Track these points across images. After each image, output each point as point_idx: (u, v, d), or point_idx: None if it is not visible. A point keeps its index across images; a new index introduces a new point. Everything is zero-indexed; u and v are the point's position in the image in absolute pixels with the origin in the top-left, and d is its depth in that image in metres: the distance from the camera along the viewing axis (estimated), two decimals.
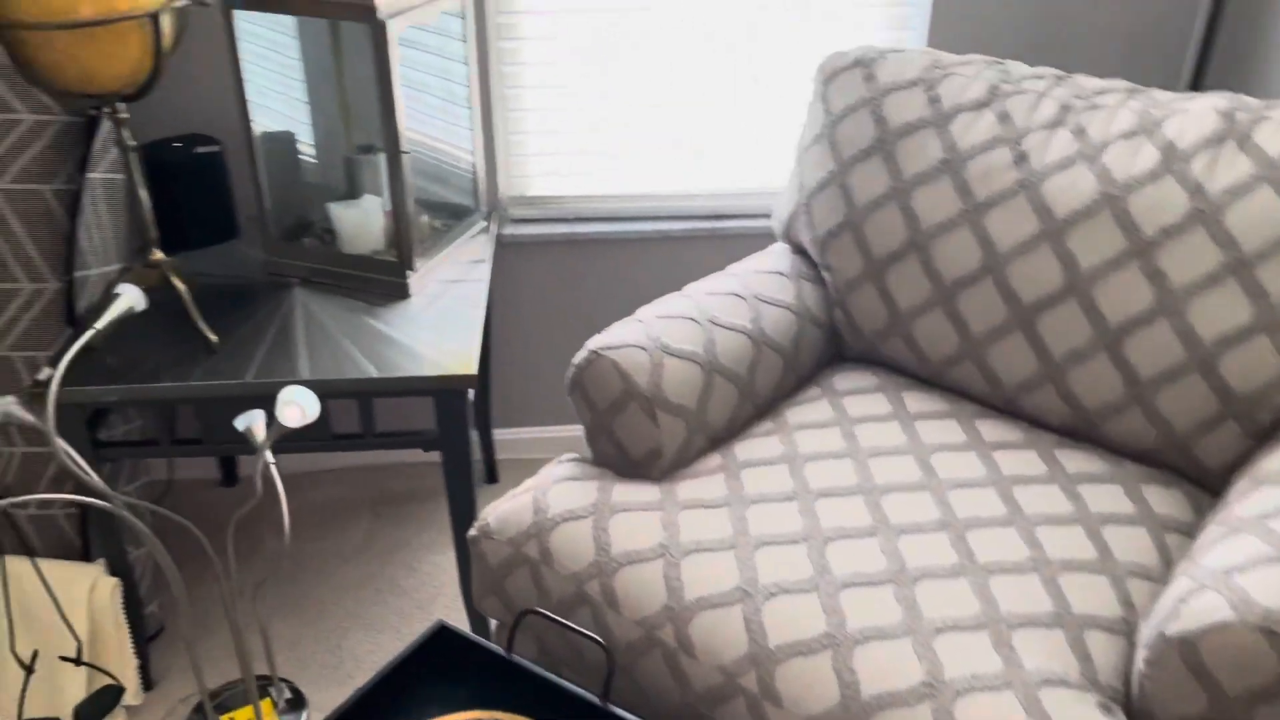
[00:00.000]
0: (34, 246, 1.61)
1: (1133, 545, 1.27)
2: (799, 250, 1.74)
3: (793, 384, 1.63)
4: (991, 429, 1.48)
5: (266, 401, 1.53)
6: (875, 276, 1.58)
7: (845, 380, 1.61)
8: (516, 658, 1.17)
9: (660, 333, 1.46)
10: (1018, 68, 1.59)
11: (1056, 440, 1.46)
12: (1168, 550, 1.28)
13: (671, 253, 2.12)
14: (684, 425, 1.43)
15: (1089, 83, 1.53)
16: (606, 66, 1.99)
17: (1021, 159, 1.47)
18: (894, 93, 1.60)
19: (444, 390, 1.51)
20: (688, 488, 1.39)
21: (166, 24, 1.36)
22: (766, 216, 2.11)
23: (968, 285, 1.49)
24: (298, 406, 1.01)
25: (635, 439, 1.42)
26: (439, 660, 1.22)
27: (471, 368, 1.50)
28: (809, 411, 1.54)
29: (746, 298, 1.59)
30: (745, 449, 1.47)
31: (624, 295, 2.16)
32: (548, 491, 1.38)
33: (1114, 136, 1.42)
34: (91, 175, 1.64)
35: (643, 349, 1.43)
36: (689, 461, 1.46)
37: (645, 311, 1.52)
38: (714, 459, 1.46)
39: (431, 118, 1.87)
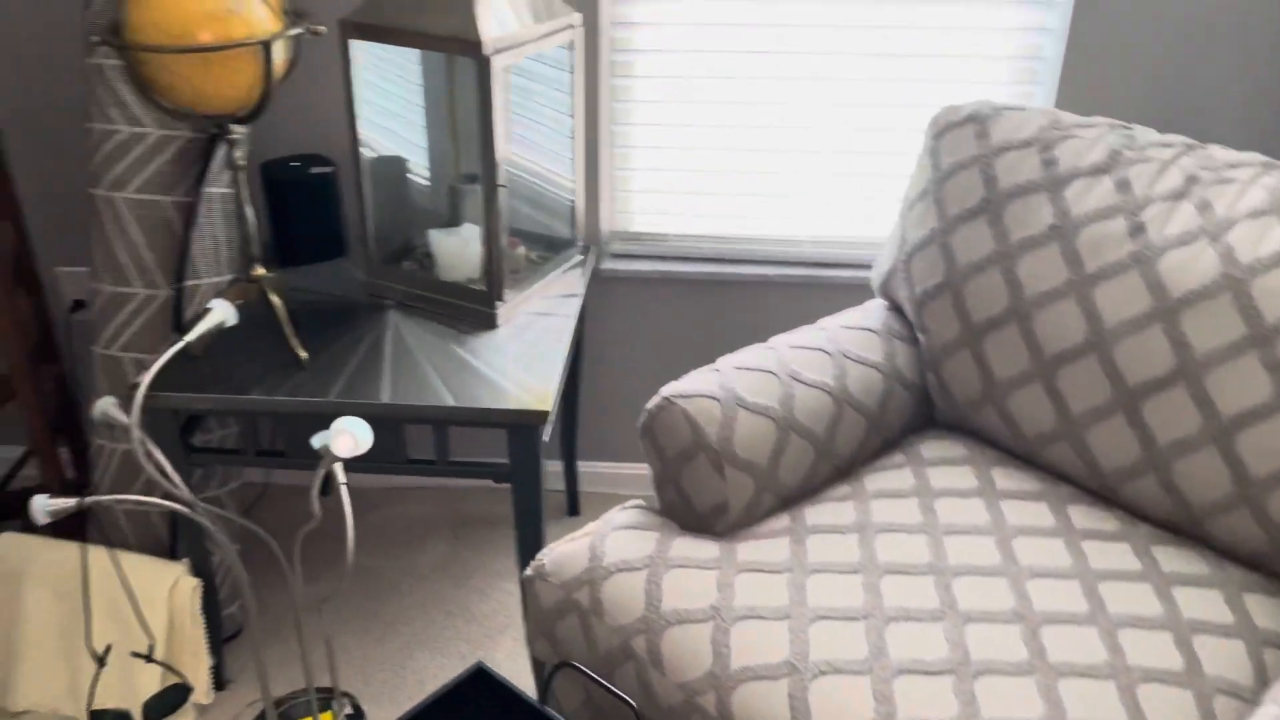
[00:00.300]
0: (151, 254, 1.69)
1: (1225, 658, 1.16)
2: (895, 308, 1.68)
3: (876, 447, 1.56)
4: (1084, 516, 1.38)
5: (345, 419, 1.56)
6: (972, 342, 1.51)
7: (932, 448, 1.54)
8: (550, 710, 1.15)
9: (736, 384, 1.42)
10: (1145, 133, 1.49)
11: (1154, 534, 1.35)
12: (1265, 668, 1.17)
13: (769, 298, 2.08)
14: (753, 482, 1.39)
15: (1221, 154, 1.42)
16: (719, 108, 1.97)
17: (1138, 230, 1.37)
18: (1007, 152, 1.52)
19: (518, 425, 1.51)
20: (750, 548, 1.34)
21: (279, 52, 1.40)
22: (868, 267, 2.05)
23: (1070, 360, 1.40)
24: (350, 436, 1.02)
25: (701, 492, 1.38)
26: (476, 701, 1.21)
27: (546, 404, 1.50)
28: (889, 479, 1.47)
29: (833, 353, 1.54)
30: (816, 513, 1.41)
31: (717, 337, 2.13)
32: (606, 538, 1.35)
33: (1242, 214, 1.32)
34: (209, 190, 1.71)
35: (716, 400, 1.39)
36: (756, 520, 1.41)
37: (725, 361, 1.49)
38: (782, 520, 1.41)
39: (541, 148, 1.88)
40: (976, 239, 1.51)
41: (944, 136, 1.60)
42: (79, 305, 2.13)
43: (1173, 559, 1.30)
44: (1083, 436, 1.41)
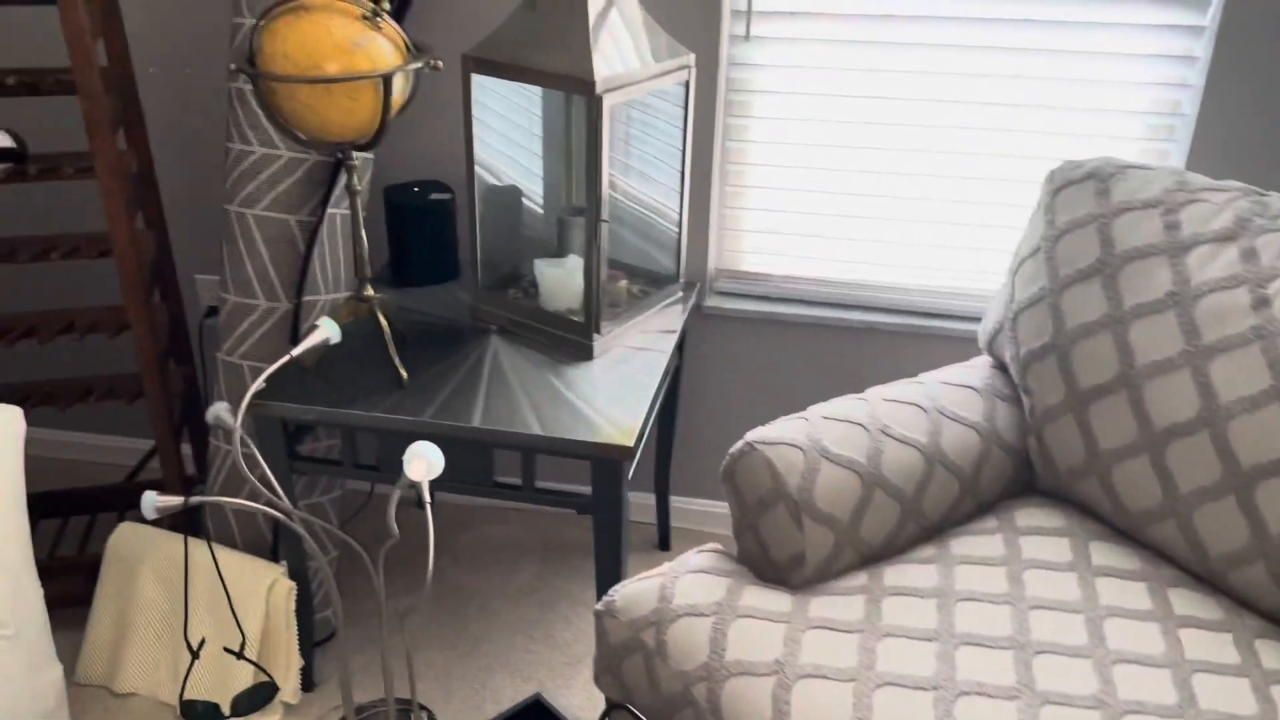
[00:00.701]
0: (274, 269, 1.78)
1: None
2: (1000, 366, 1.62)
3: (969, 510, 1.51)
4: (1185, 601, 1.30)
5: (439, 440, 1.61)
6: (1077, 408, 1.44)
7: (1028, 516, 1.47)
8: None
9: (823, 434, 1.40)
10: (1279, 201, 1.41)
11: (1261, 627, 1.26)
12: None
13: (874, 345, 2.04)
14: (832, 536, 1.36)
15: None
16: (834, 151, 1.95)
17: (1262, 304, 1.29)
18: (1127, 213, 1.46)
19: (602, 457, 1.52)
20: (823, 604, 1.31)
21: (398, 85, 1.47)
22: (978, 320, 1.98)
23: (1181, 436, 1.33)
24: (424, 461, 1.05)
25: (779, 542, 1.36)
26: None
27: (631, 440, 1.50)
28: (978, 544, 1.42)
29: (928, 410, 1.49)
30: (896, 573, 1.37)
31: (818, 382, 2.10)
32: (677, 580, 1.35)
33: None
34: (332, 211, 1.79)
35: (800, 449, 1.37)
36: (833, 575, 1.38)
37: (814, 410, 1.47)
38: (860, 577, 1.37)
39: (653, 182, 1.90)
40: (1088, 301, 1.44)
41: (1061, 193, 1.54)
42: (212, 311, 2.26)
43: (1278, 655, 1.21)
44: (1190, 517, 1.33)
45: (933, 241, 1.98)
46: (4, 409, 1.49)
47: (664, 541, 2.24)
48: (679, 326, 1.85)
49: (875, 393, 1.52)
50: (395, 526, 1.19)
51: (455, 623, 2.04)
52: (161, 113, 2.12)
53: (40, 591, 1.57)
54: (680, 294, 1.94)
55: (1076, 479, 1.47)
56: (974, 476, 1.49)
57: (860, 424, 1.43)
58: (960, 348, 2.00)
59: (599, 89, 1.54)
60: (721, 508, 2.27)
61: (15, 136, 1.70)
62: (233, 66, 1.45)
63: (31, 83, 1.66)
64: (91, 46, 1.58)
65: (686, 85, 1.76)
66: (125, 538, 1.84)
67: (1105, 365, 1.41)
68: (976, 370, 1.61)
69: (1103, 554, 1.39)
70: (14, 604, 1.50)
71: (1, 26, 2.07)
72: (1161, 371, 1.35)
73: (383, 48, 1.44)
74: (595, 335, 1.72)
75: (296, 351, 1.42)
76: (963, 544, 1.42)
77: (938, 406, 1.50)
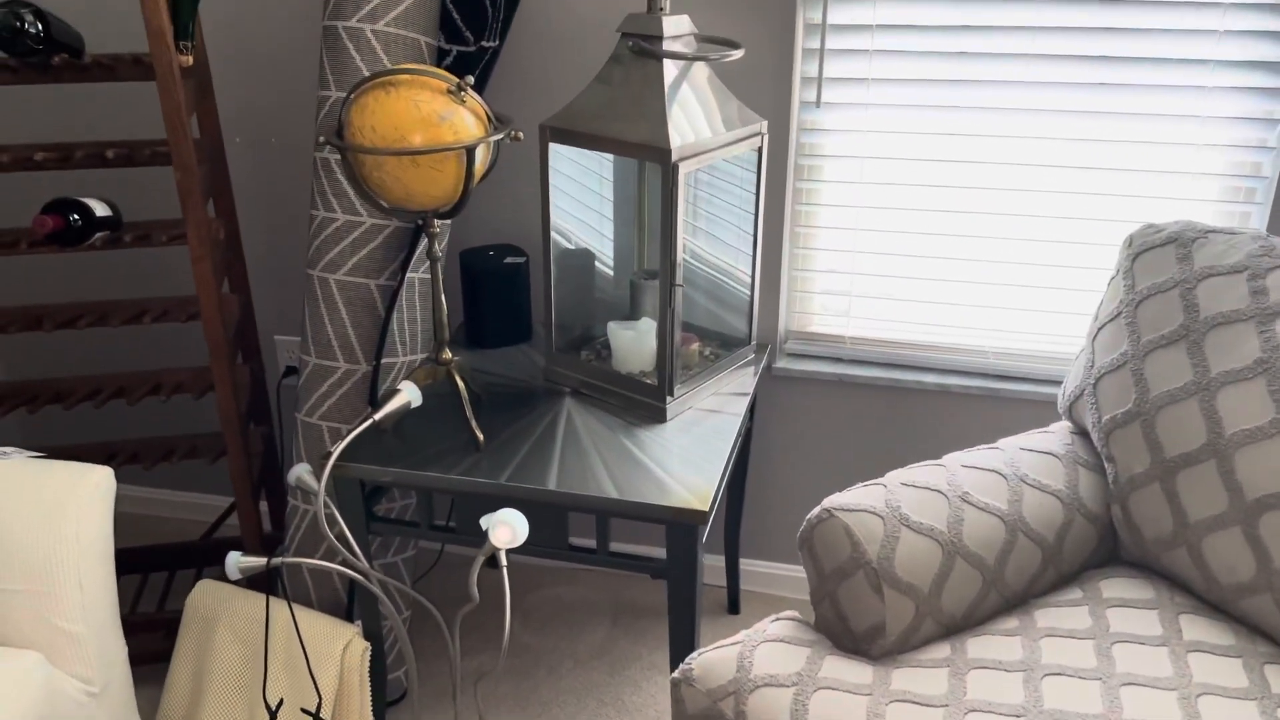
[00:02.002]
0: (354, 332, 1.83)
1: None
2: (1081, 432, 1.59)
3: (1051, 581, 1.48)
4: None
5: (515, 503, 1.62)
6: (1164, 477, 1.41)
7: (1114, 587, 1.44)
8: None
9: (902, 501, 1.39)
10: None
11: None
12: None
13: (948, 409, 2.02)
14: (913, 606, 1.34)
15: None
16: (906, 214, 1.95)
17: None
18: (1212, 278, 1.43)
19: (677, 522, 1.52)
20: (905, 676, 1.29)
21: (480, 155, 1.51)
22: (1055, 383, 1.95)
23: (1275, 507, 1.29)
24: (509, 528, 1.06)
25: (858, 611, 1.34)
26: None
27: (706, 504, 1.50)
28: (1064, 617, 1.38)
29: (1009, 477, 1.47)
30: (980, 645, 1.34)
31: (891, 445, 2.08)
32: (756, 649, 1.33)
33: None
34: (411, 275, 1.83)
35: (879, 516, 1.36)
36: (914, 646, 1.36)
37: (892, 476, 1.45)
38: (942, 649, 1.35)
39: (724, 245, 1.92)
40: (1173, 367, 1.42)
41: (1141, 257, 1.52)
42: (291, 371, 2.31)
43: None
44: None
45: (1007, 304, 1.96)
46: (96, 470, 1.54)
47: (733, 605, 2.22)
48: (751, 389, 1.85)
49: (954, 459, 1.50)
50: (476, 592, 1.20)
51: (524, 685, 2.03)
52: (246, 180, 2.20)
53: (124, 649, 1.60)
54: (752, 356, 1.94)
55: (1164, 550, 1.43)
56: (1057, 546, 1.46)
57: (940, 491, 1.41)
58: (1036, 412, 1.97)
59: (674, 157, 1.57)
60: (791, 571, 2.25)
61: (112, 205, 1.77)
62: (321, 139, 1.51)
63: (129, 155, 1.73)
64: (187, 121, 1.65)
65: (759, 151, 1.78)
66: (204, 595, 1.88)
67: (1193, 433, 1.38)
68: (1056, 436, 1.59)
69: (1195, 628, 1.35)
70: (100, 661, 1.53)
71: (100, 100, 2.17)
72: (1252, 440, 1.32)
73: (466, 120, 1.49)
74: (668, 398, 1.73)
75: (379, 415, 1.45)
76: (1047, 616, 1.39)
77: (1018, 473, 1.48)
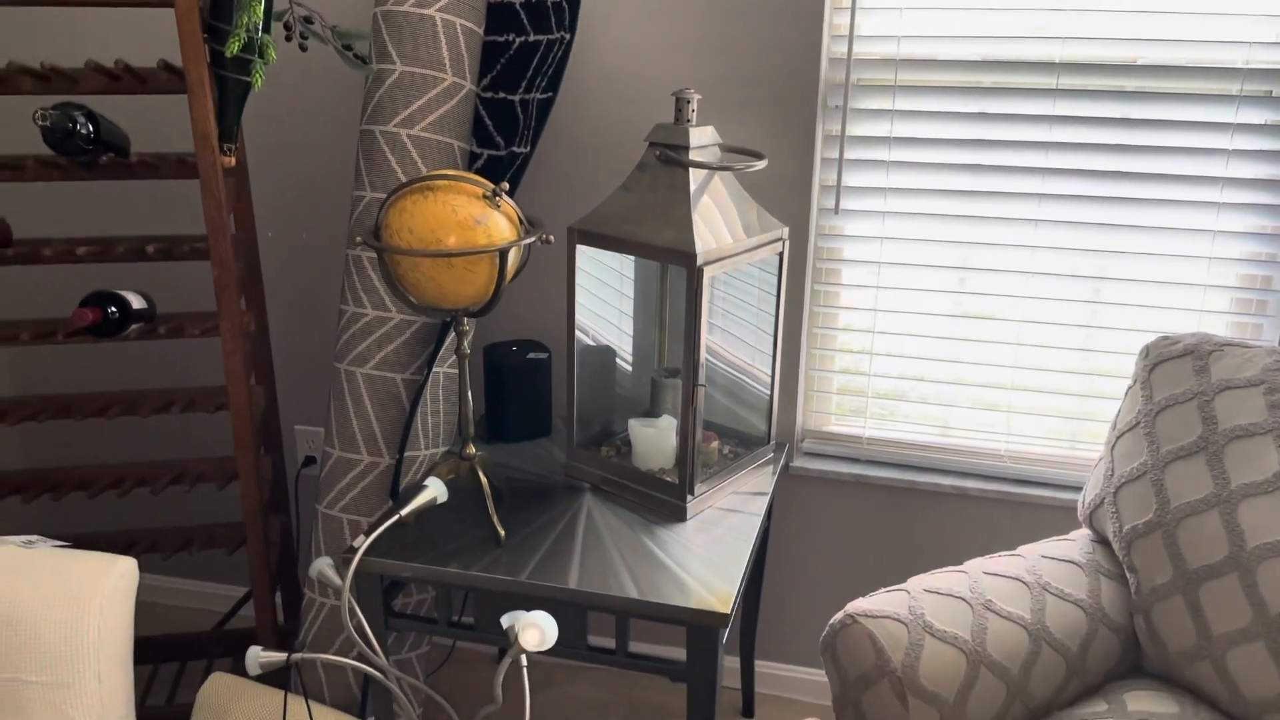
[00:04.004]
0: (379, 425, 1.85)
1: None
2: (1102, 540, 1.60)
3: (1076, 692, 1.47)
4: None
5: (536, 600, 1.62)
6: (1186, 589, 1.41)
7: (1139, 700, 1.43)
8: None
9: (925, 608, 1.39)
10: None
11: None
12: None
13: (966, 511, 2.02)
14: (938, 716, 1.33)
15: None
16: (924, 319, 1.99)
17: None
18: (1229, 390, 1.46)
19: (697, 624, 1.52)
20: None
21: (512, 257, 1.55)
22: (1072, 488, 1.96)
23: None
24: (539, 631, 1.06)
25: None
26: None
27: (728, 606, 1.50)
28: None
29: (1031, 585, 1.47)
30: None
31: (907, 547, 2.08)
32: None
33: None
34: (436, 370, 1.87)
35: (903, 623, 1.36)
36: None
37: (915, 582, 1.46)
38: None
39: (743, 345, 1.95)
40: (1193, 479, 1.43)
41: (1159, 368, 1.55)
42: (310, 461, 2.33)
43: None
44: None
45: (1023, 407, 1.99)
46: (121, 561, 1.54)
47: (748, 707, 2.19)
48: (770, 488, 1.86)
49: (976, 565, 1.51)
50: (500, 694, 1.20)
51: None
52: (274, 273, 2.25)
53: None
54: (770, 455, 1.96)
55: (1188, 662, 1.42)
56: (1081, 656, 1.45)
57: (963, 598, 1.42)
58: (1053, 517, 1.97)
59: (699, 261, 1.61)
60: (808, 674, 2.22)
61: (147, 298, 1.81)
62: (359, 239, 1.55)
63: (168, 250, 1.78)
64: (227, 219, 1.71)
65: (780, 256, 1.82)
66: (216, 688, 1.86)
67: (1214, 545, 1.39)
68: (1077, 544, 1.59)
69: None
70: None
71: (138, 195, 2.24)
72: (1275, 555, 1.33)
73: (500, 224, 1.53)
74: (689, 496, 1.74)
75: (405, 512, 1.46)
76: None
77: (1040, 581, 1.48)
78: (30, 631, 1.48)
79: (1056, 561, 1.53)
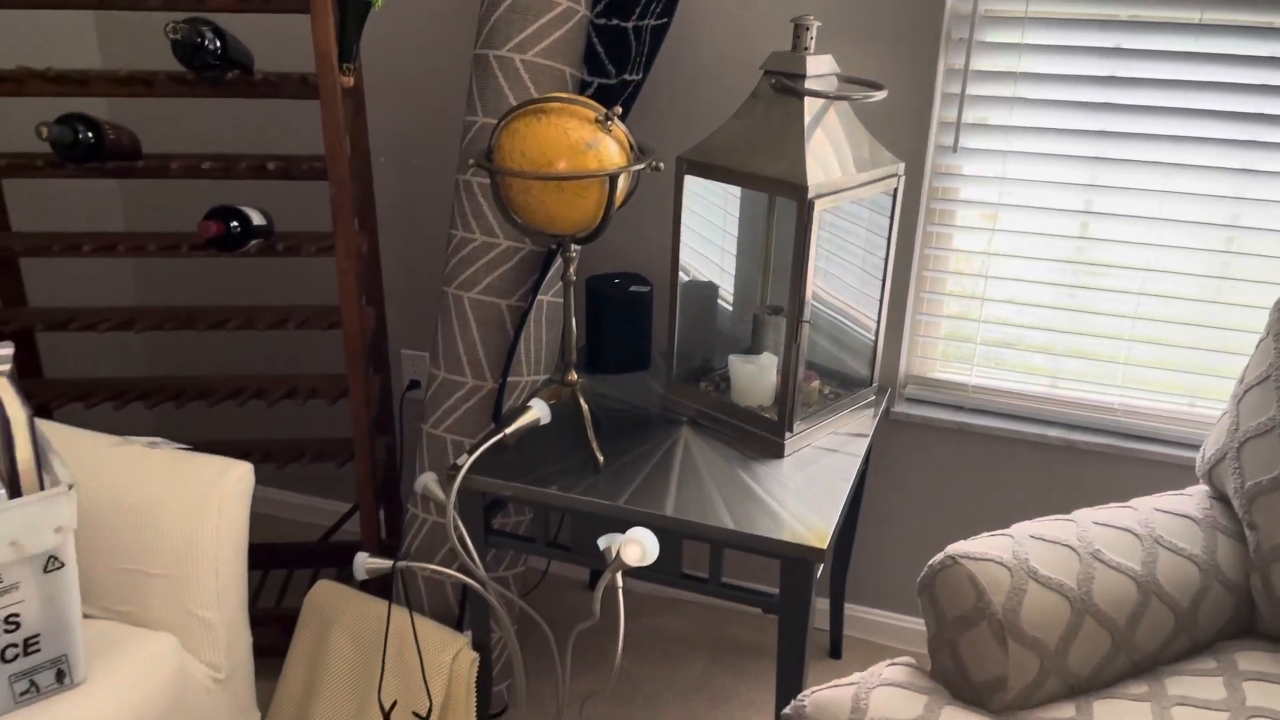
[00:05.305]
0: (483, 350, 1.88)
1: None
2: (1220, 497, 1.54)
3: (1184, 648, 1.42)
4: None
5: (632, 526, 1.63)
6: None
7: (1251, 660, 1.38)
8: None
9: (1031, 554, 1.36)
10: None
11: None
12: None
13: (1072, 465, 1.97)
14: (1038, 662, 1.31)
15: None
16: (1038, 263, 1.92)
17: None
18: None
19: (792, 558, 1.52)
20: None
21: (622, 183, 1.54)
22: (1192, 447, 1.89)
23: None
24: (640, 547, 1.07)
25: (979, 663, 1.32)
26: None
27: (824, 542, 1.49)
28: (1196, 686, 1.33)
29: (1143, 537, 1.43)
30: (1107, 709, 1.30)
31: (1009, 500, 2.03)
32: (872, 691, 1.32)
33: None
34: (540, 297, 1.88)
35: (1006, 567, 1.33)
36: (1037, 703, 1.32)
37: (1020, 528, 1.42)
38: (1066, 709, 1.31)
39: (847, 286, 1.92)
40: None
41: None
42: (414, 385, 2.39)
43: None
44: None
45: (1140, 360, 1.91)
46: (238, 465, 1.61)
47: (835, 649, 2.19)
48: (870, 431, 1.83)
49: (1084, 514, 1.47)
50: (598, 609, 1.22)
51: (622, 711, 2.03)
52: (386, 198, 2.29)
53: (249, 639, 1.66)
54: (872, 398, 1.93)
55: None
56: (1191, 612, 1.41)
57: (1070, 546, 1.38)
58: (1166, 474, 1.90)
59: (811, 194, 1.58)
60: (898, 619, 2.21)
61: (266, 215, 1.87)
62: (472, 162, 1.57)
63: (286, 168, 1.83)
64: (344, 139, 1.74)
65: (894, 193, 1.78)
66: (322, 595, 1.94)
67: None
68: (1194, 499, 1.53)
69: None
70: (228, 649, 1.60)
71: (253, 115, 2.29)
72: None
73: (611, 149, 1.53)
74: (787, 433, 1.73)
75: (509, 430, 1.49)
76: (1179, 684, 1.34)
77: (1153, 534, 1.43)
78: (154, 527, 1.56)
79: (1170, 515, 1.48)
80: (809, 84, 1.63)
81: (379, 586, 2.08)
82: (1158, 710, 1.29)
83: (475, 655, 1.81)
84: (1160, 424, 1.92)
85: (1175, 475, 1.90)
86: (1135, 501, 1.52)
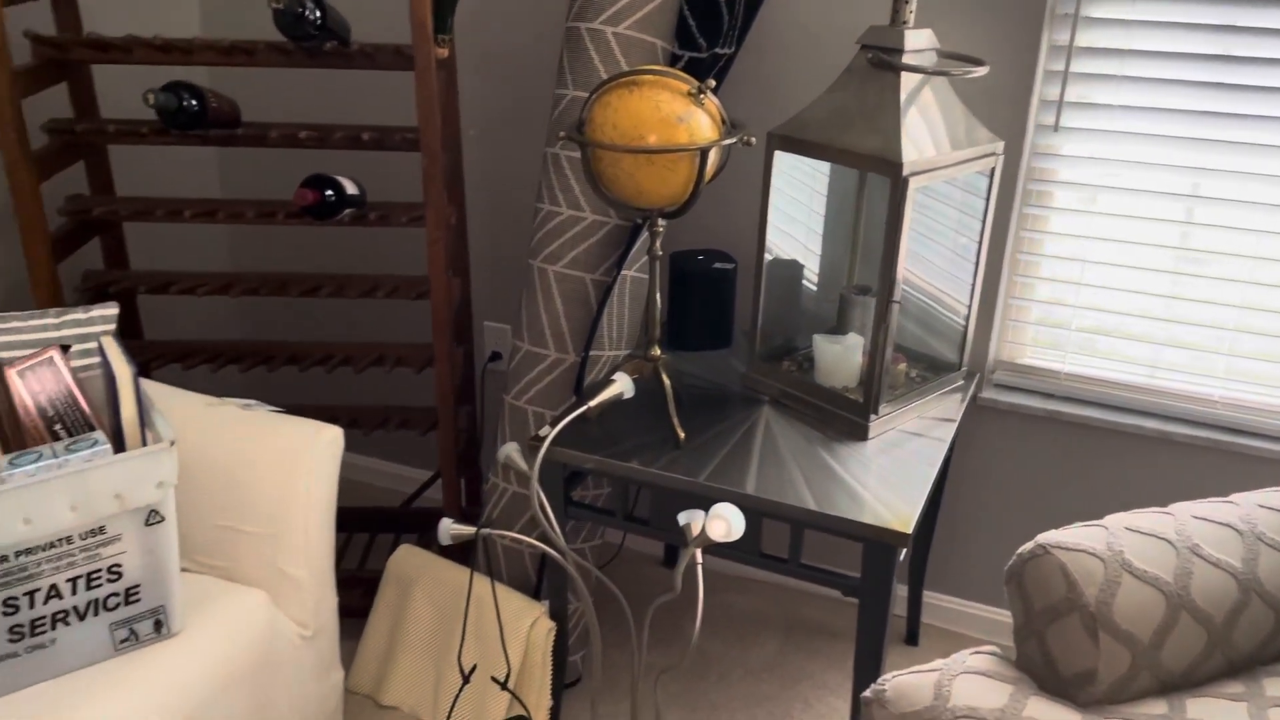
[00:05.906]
0: (567, 323, 1.89)
1: None
2: None
3: None
4: None
5: (711, 503, 1.63)
6: None
7: None
8: None
9: (1126, 546, 1.32)
10: None
11: None
12: None
13: (1168, 459, 1.90)
14: (1130, 656, 1.27)
15: None
16: (1139, 250, 1.86)
17: None
18: None
19: (875, 541, 1.50)
20: None
21: (712, 158, 1.53)
22: None
23: None
24: (725, 522, 1.07)
25: (1068, 655, 1.29)
26: None
27: (908, 527, 1.47)
28: None
29: (1244, 533, 1.38)
30: (1201, 708, 1.26)
31: (1100, 491, 1.98)
32: (955, 679, 1.30)
33: None
34: (624, 272, 1.88)
35: (1099, 559, 1.30)
36: (1127, 699, 1.29)
37: (1114, 519, 1.38)
38: (1158, 705, 1.27)
39: (936, 268, 1.88)
40: None
41: None
42: (495, 357, 2.41)
43: None
44: None
45: (1245, 351, 1.84)
46: (329, 429, 1.65)
47: (912, 636, 2.16)
48: (958, 416, 1.80)
49: (1182, 508, 1.42)
50: (679, 582, 1.22)
51: (695, 686, 2.04)
52: (474, 170, 2.31)
53: (335, 599, 1.71)
54: (960, 383, 1.89)
55: None
56: None
57: (1167, 540, 1.34)
58: (1271, 470, 1.83)
59: (905, 171, 1.55)
60: (978, 609, 2.17)
61: (359, 185, 1.90)
62: (562, 134, 1.57)
63: (380, 139, 1.85)
64: (437, 111, 1.75)
65: (991, 172, 1.73)
66: (405, 559, 1.98)
67: None
68: None
69: None
70: (315, 607, 1.64)
71: (345, 86, 2.33)
72: None
73: (702, 123, 1.51)
74: (872, 416, 1.70)
75: (594, 403, 1.50)
76: (1278, 685, 1.29)
77: (1255, 531, 1.38)
78: (247, 485, 1.60)
79: (1275, 512, 1.42)
80: (907, 59, 1.60)
81: (457, 553, 2.11)
82: (1254, 711, 1.24)
83: (552, 624, 1.83)
84: (1265, 418, 1.85)
85: (1278, 472, 1.83)
86: (1236, 496, 1.47)
